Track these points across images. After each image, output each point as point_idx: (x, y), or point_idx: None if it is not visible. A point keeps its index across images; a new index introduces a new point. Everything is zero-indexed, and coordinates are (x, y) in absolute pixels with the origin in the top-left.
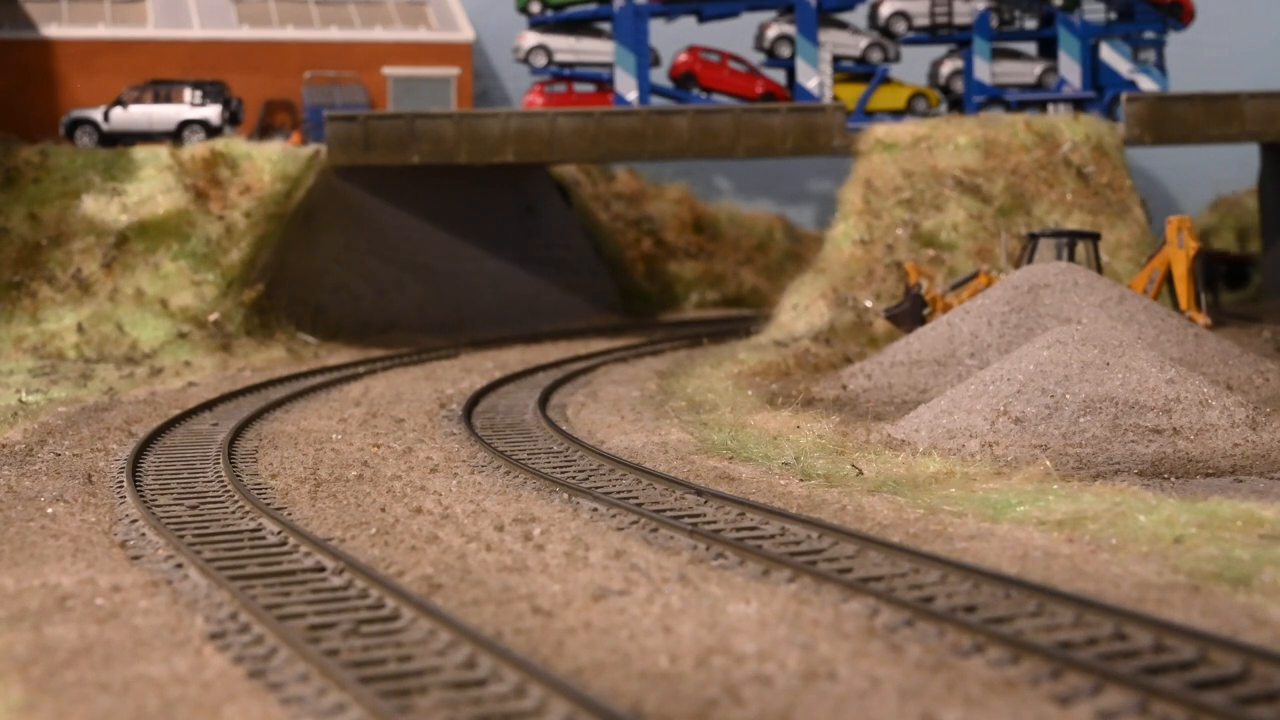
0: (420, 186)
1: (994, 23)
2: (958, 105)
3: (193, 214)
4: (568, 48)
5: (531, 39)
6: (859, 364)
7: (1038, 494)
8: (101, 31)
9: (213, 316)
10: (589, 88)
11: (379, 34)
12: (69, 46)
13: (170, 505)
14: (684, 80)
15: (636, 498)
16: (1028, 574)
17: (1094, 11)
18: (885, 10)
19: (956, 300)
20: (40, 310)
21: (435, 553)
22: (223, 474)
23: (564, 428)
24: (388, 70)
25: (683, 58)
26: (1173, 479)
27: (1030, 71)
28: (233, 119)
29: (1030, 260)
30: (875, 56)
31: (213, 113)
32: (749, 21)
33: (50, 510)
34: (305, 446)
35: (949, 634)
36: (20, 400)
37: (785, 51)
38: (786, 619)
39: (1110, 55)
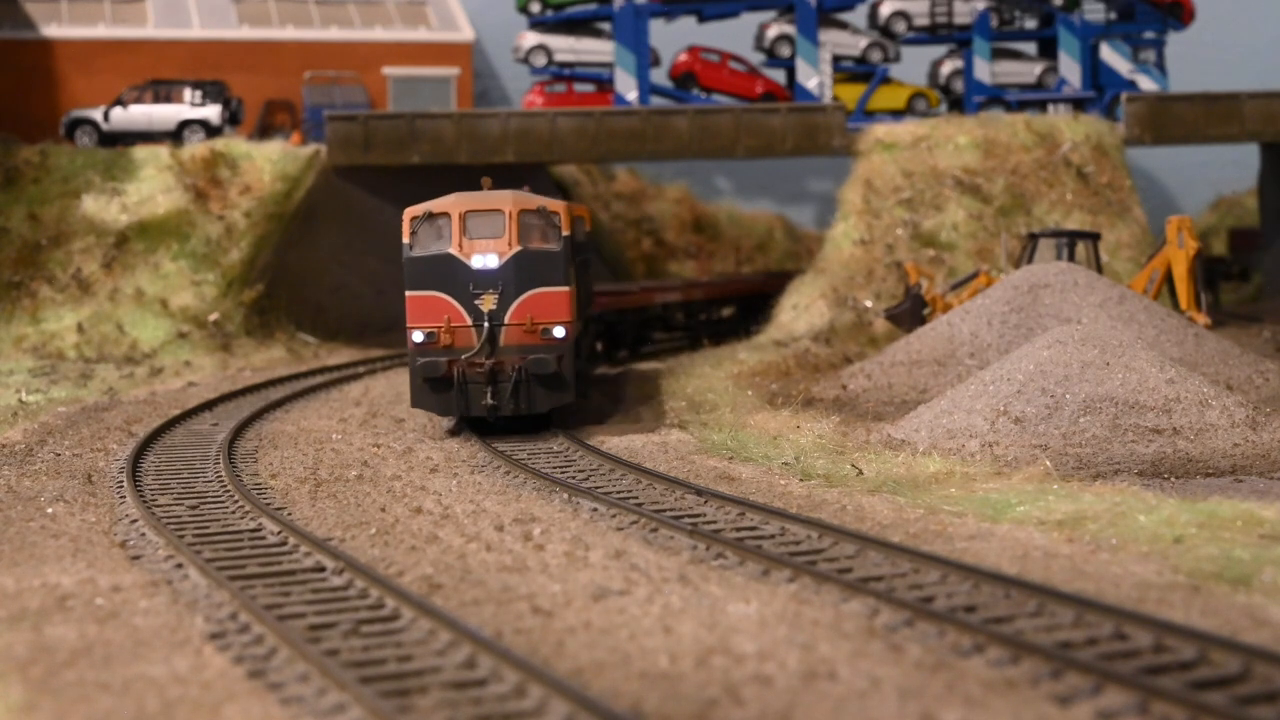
0: (420, 186)
1: (994, 23)
2: (958, 105)
3: (193, 214)
4: (568, 48)
5: (531, 39)
6: (859, 364)
7: (1038, 494)
8: (101, 31)
9: (213, 316)
10: (589, 88)
11: (379, 34)
12: (69, 46)
13: (170, 505)
14: (684, 80)
15: (636, 498)
16: (1028, 574)
17: (1094, 11)
18: (885, 10)
19: (956, 300)
20: (40, 310)
21: (435, 553)
22: (223, 474)
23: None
24: (388, 70)
25: (683, 58)
26: (1173, 479)
27: (1030, 71)
28: (233, 119)
29: (1030, 260)
30: (875, 56)
31: (213, 113)
32: (749, 21)
33: (50, 510)
34: (305, 446)
35: (949, 634)
36: (20, 400)
37: (785, 51)
38: (786, 619)
39: (1110, 55)
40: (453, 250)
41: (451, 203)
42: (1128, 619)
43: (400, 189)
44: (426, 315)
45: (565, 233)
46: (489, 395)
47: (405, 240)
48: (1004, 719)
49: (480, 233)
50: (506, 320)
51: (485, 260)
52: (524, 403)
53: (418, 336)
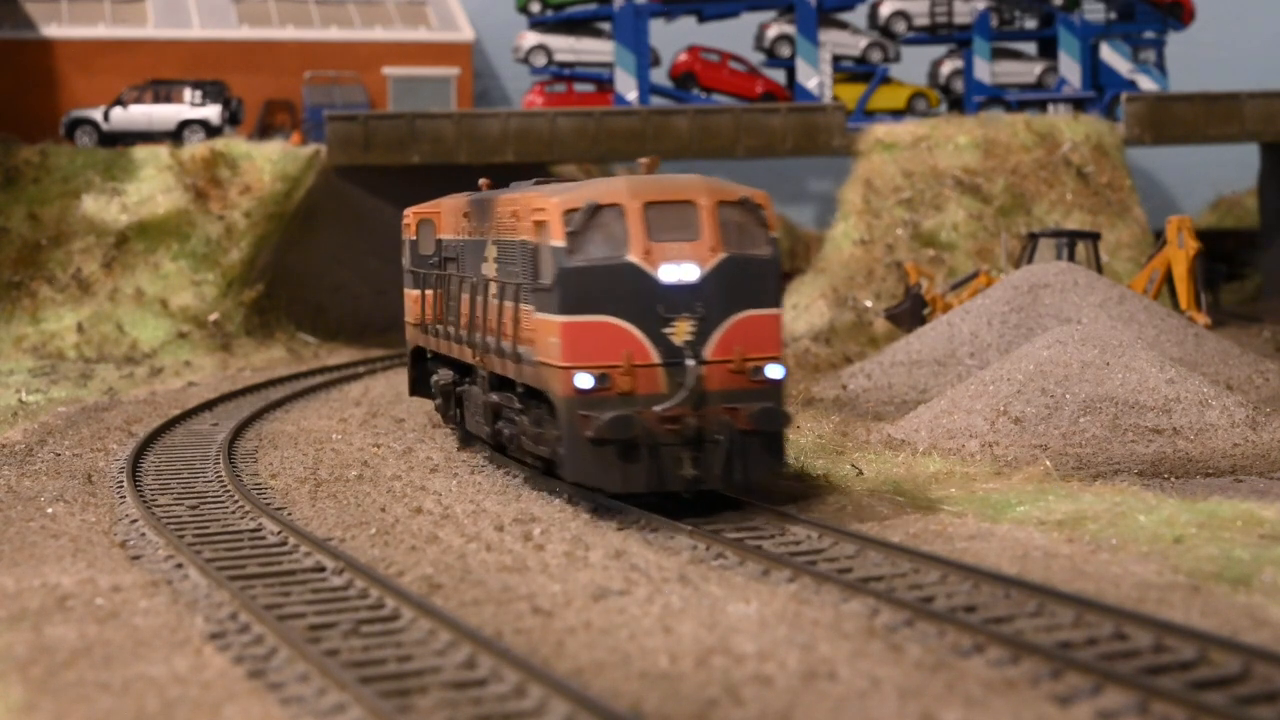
0: (420, 186)
1: (994, 23)
2: (958, 105)
3: (193, 214)
4: (568, 48)
5: (531, 39)
6: (859, 364)
7: (1038, 494)
8: (101, 31)
9: (213, 316)
10: (589, 87)
11: (379, 34)
12: (69, 46)
13: (170, 505)
14: (684, 80)
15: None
16: (1028, 574)
17: (1094, 11)
18: (885, 10)
19: (956, 300)
20: (40, 310)
21: (435, 553)
22: (223, 474)
23: None
24: (388, 70)
25: (683, 58)
26: (1173, 479)
27: (1030, 71)
28: (233, 119)
29: (1030, 260)
30: (875, 56)
31: (213, 113)
32: (749, 21)
33: (50, 510)
34: (305, 446)
35: (949, 634)
36: (20, 400)
37: (785, 51)
38: (786, 619)
39: (1110, 55)
40: (633, 257)
41: (623, 190)
42: (1128, 619)
43: (400, 189)
44: (595, 349)
45: (773, 233)
46: (689, 463)
47: (558, 242)
48: (1004, 719)
49: (668, 233)
50: (708, 356)
51: (680, 271)
52: (739, 472)
53: (584, 381)
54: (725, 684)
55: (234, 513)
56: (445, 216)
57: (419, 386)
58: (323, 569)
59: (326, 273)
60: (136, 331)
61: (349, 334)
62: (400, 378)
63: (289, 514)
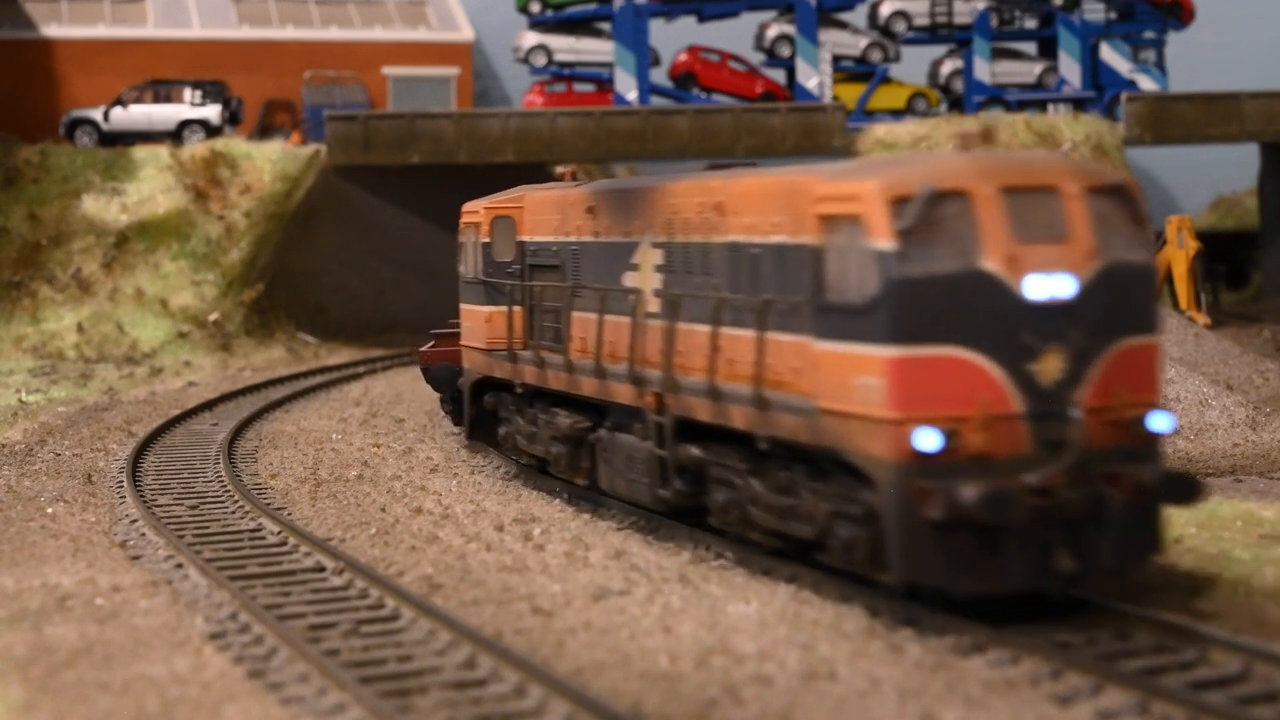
0: (420, 186)
1: (994, 22)
2: (958, 105)
3: (193, 214)
4: (568, 48)
5: (531, 39)
6: None
7: None
8: (101, 31)
9: (213, 316)
10: (589, 87)
11: (379, 34)
12: (69, 46)
13: (170, 505)
14: (684, 80)
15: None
16: None
17: (1094, 11)
18: (885, 10)
19: None
20: (40, 310)
21: (435, 553)
22: (223, 474)
23: None
24: (388, 70)
25: (683, 58)
26: None
27: (1030, 71)
28: (233, 119)
29: None
30: (875, 56)
31: (213, 112)
32: (749, 21)
33: (50, 510)
34: (305, 446)
35: (949, 634)
36: (20, 400)
37: (785, 51)
38: (786, 619)
39: (1110, 55)
40: (991, 264)
41: (969, 171)
42: (1128, 619)
43: (400, 189)
44: (940, 395)
45: (1149, 232)
46: (1066, 552)
47: (883, 244)
48: (1004, 719)
49: (1033, 232)
50: (1085, 402)
51: (1052, 285)
52: (1132, 558)
53: (928, 440)
54: (725, 684)
55: (234, 513)
56: (535, 213)
57: (482, 427)
58: (323, 569)
59: (326, 273)
60: (136, 331)
61: (349, 334)
62: (401, 378)
63: (289, 514)
